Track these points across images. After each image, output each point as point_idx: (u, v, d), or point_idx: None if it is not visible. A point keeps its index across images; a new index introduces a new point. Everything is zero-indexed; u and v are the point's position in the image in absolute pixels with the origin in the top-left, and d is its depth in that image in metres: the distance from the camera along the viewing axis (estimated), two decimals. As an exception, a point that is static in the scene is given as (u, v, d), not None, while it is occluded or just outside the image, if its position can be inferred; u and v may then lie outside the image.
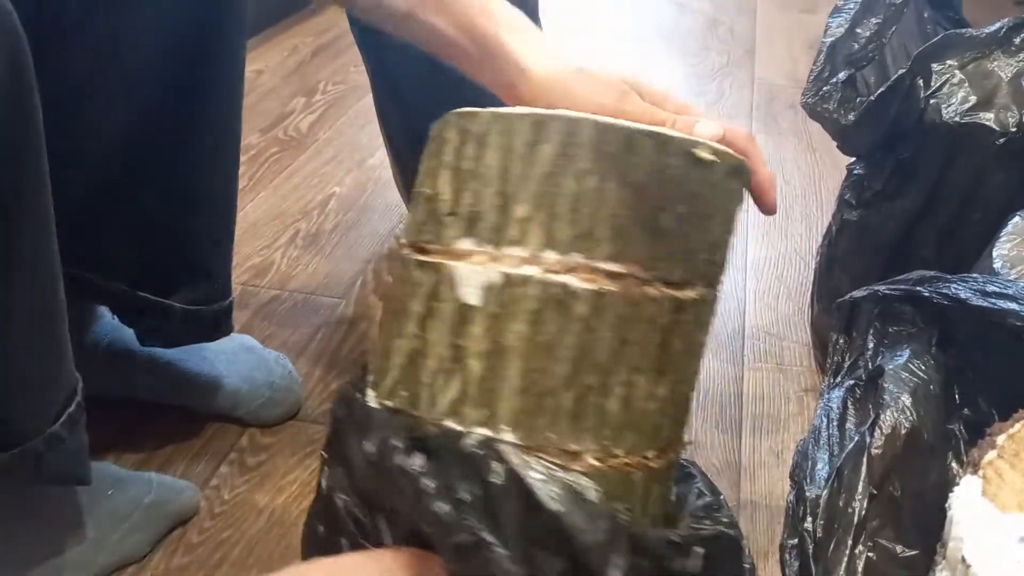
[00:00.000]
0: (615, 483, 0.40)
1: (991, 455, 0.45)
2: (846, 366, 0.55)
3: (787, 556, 0.47)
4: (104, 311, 0.78)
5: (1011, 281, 0.52)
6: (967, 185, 0.74)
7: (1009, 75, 0.73)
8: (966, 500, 0.44)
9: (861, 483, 0.46)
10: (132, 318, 0.74)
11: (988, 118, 0.71)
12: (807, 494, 0.48)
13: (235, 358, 0.81)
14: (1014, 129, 0.71)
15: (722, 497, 0.46)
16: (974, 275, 0.52)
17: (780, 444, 0.81)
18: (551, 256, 0.40)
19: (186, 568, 0.67)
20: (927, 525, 0.46)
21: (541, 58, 0.52)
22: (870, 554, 0.44)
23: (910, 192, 0.77)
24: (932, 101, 0.73)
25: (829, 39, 0.76)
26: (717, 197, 0.43)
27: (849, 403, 0.52)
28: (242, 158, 0.76)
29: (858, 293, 0.55)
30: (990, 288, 0.50)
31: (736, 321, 0.98)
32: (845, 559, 0.45)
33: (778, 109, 1.48)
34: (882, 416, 0.47)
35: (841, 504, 0.46)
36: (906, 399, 0.48)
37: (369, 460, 0.40)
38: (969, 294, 0.50)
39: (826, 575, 0.45)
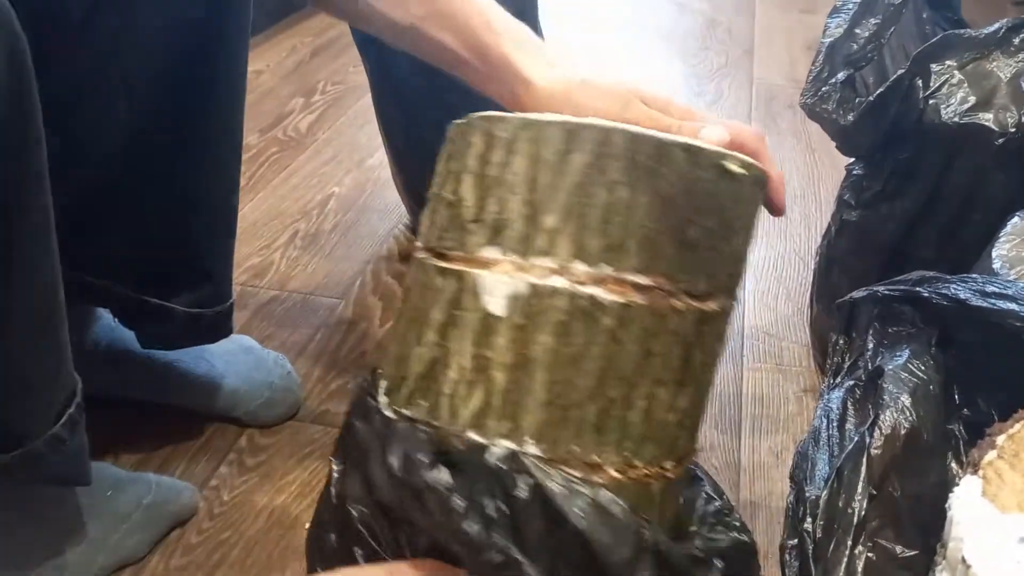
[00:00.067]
0: (634, 494, 0.40)
1: (991, 455, 0.45)
2: (846, 366, 0.55)
3: (787, 556, 0.47)
4: (103, 312, 0.78)
5: (1010, 281, 0.52)
6: (966, 185, 0.74)
7: (1008, 75, 0.73)
8: (966, 500, 0.44)
9: (861, 483, 0.46)
10: (134, 321, 0.74)
11: (987, 118, 0.71)
12: (807, 494, 0.48)
13: (234, 358, 0.81)
14: (1013, 129, 0.71)
15: (725, 497, 0.47)
16: (974, 275, 0.52)
17: (779, 444, 0.81)
18: (580, 267, 0.39)
19: (185, 569, 0.67)
20: (927, 525, 0.46)
21: (545, 70, 0.52)
22: (870, 554, 0.44)
23: (909, 192, 0.77)
24: (931, 101, 0.73)
25: (828, 39, 0.76)
26: (741, 209, 0.43)
27: (849, 403, 0.52)
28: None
29: (858, 294, 0.56)
30: (990, 288, 0.50)
31: (735, 322, 0.98)
32: (845, 559, 0.45)
33: (777, 109, 1.48)
34: (882, 416, 0.47)
35: (841, 504, 0.46)
36: (906, 399, 0.48)
37: (392, 474, 0.39)
38: (969, 294, 0.50)
39: (826, 575, 0.45)
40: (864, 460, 0.46)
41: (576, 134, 0.40)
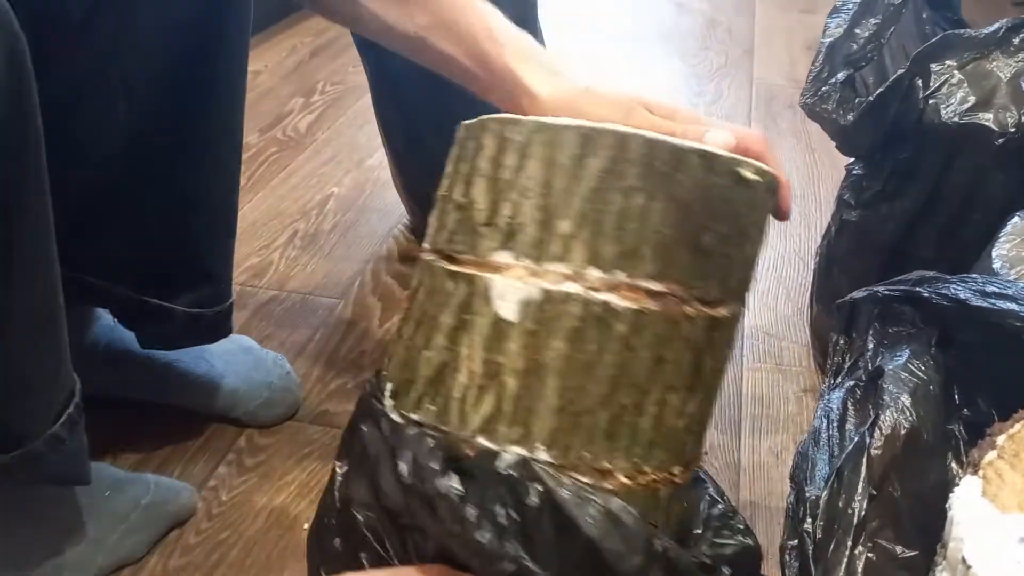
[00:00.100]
0: (643, 499, 0.40)
1: (991, 455, 0.45)
2: (846, 367, 0.55)
3: (787, 557, 0.47)
4: (103, 312, 0.78)
5: (1011, 281, 0.52)
6: (966, 185, 0.74)
7: (1008, 75, 0.73)
8: (966, 500, 0.43)
9: (861, 484, 0.46)
10: (134, 321, 0.74)
11: (987, 118, 0.71)
12: (807, 495, 0.48)
13: (233, 359, 0.81)
14: (1013, 129, 0.71)
15: (726, 498, 0.47)
16: (974, 275, 0.52)
17: (779, 445, 0.81)
18: (594, 274, 0.39)
19: (183, 569, 0.67)
20: (927, 526, 0.45)
21: (548, 80, 0.52)
22: (870, 555, 0.44)
23: (909, 192, 0.77)
24: (931, 101, 0.73)
25: (828, 39, 0.76)
26: (754, 215, 0.43)
27: (849, 404, 0.52)
28: (240, 158, 0.76)
29: (858, 294, 0.55)
30: (990, 288, 0.50)
31: (735, 321, 0.98)
32: (845, 560, 0.44)
33: (777, 109, 1.48)
34: (882, 416, 0.47)
35: (841, 505, 0.46)
36: (906, 399, 0.48)
37: (401, 480, 0.39)
38: (969, 294, 0.50)
39: (826, 575, 0.45)
40: (864, 460, 0.46)
41: (592, 139, 0.40)
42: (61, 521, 0.63)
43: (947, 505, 0.45)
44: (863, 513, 0.45)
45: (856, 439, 0.48)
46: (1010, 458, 0.45)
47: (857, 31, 0.76)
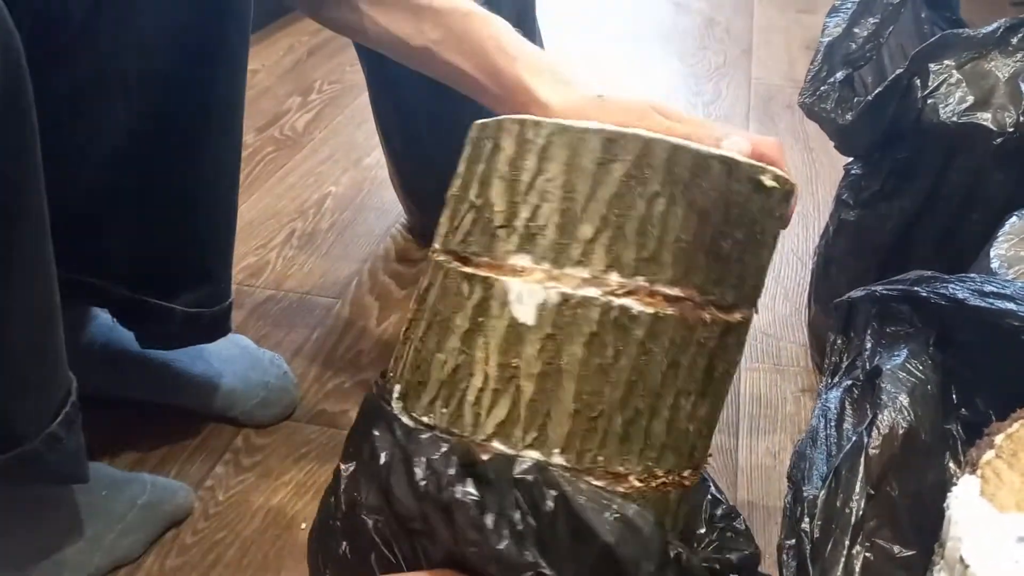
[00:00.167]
0: (654, 502, 0.41)
1: (989, 455, 0.45)
2: (843, 366, 0.55)
3: (784, 556, 0.46)
4: (100, 311, 0.78)
5: (1009, 281, 0.52)
6: (965, 185, 0.73)
7: (1006, 75, 0.73)
8: (964, 500, 0.43)
9: (859, 483, 0.46)
10: (133, 321, 0.74)
11: (985, 118, 0.71)
12: (804, 494, 0.48)
13: (230, 358, 0.81)
14: (1011, 129, 0.71)
15: (724, 496, 0.47)
16: (972, 275, 0.52)
17: (777, 444, 0.81)
18: (614, 278, 0.39)
19: (180, 569, 0.67)
20: (925, 525, 0.45)
21: (560, 90, 0.52)
22: (868, 554, 0.44)
23: (908, 192, 0.76)
24: (929, 101, 0.73)
25: (827, 39, 0.76)
26: (770, 222, 0.43)
27: (847, 403, 0.52)
28: (238, 157, 0.76)
29: (856, 293, 0.55)
30: (988, 288, 0.50)
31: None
32: (843, 559, 0.44)
33: (775, 109, 1.48)
34: (880, 416, 0.47)
35: (839, 504, 0.46)
36: (904, 399, 0.48)
37: (416, 486, 0.39)
38: (967, 294, 0.50)
39: (823, 575, 0.44)
40: (862, 460, 0.46)
41: (616, 143, 0.39)
42: (58, 521, 0.63)
43: (945, 504, 0.45)
44: (861, 513, 0.45)
45: (854, 439, 0.48)
46: (1008, 457, 0.45)
47: (856, 31, 0.76)
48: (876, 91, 0.73)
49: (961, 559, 0.41)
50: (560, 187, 0.40)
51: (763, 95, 1.54)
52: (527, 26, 0.93)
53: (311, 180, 1.23)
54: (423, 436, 0.40)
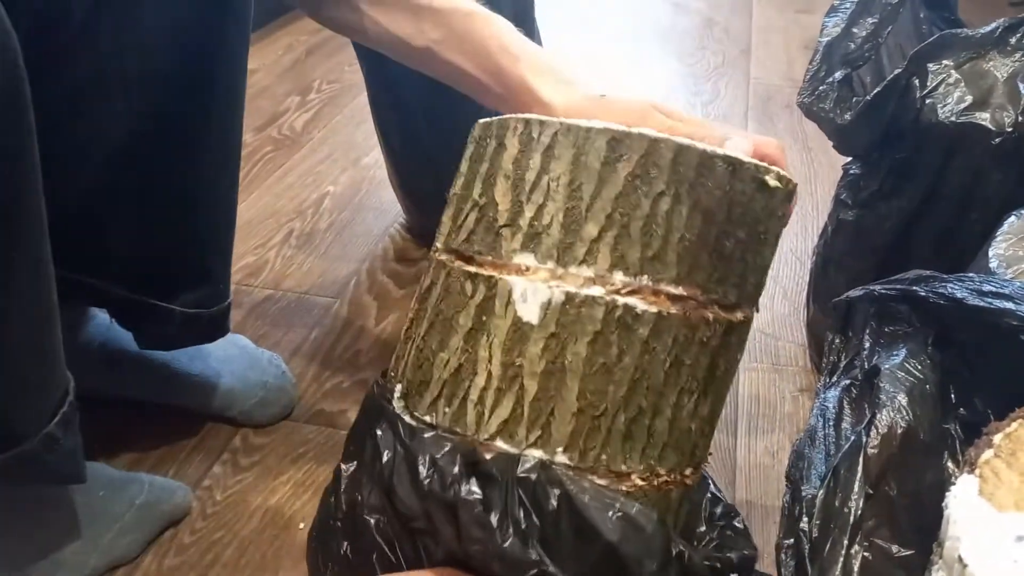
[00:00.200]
0: (656, 501, 0.41)
1: (988, 454, 0.45)
2: (842, 366, 0.55)
3: (783, 556, 0.46)
4: (97, 311, 0.78)
5: (1007, 280, 0.52)
6: (963, 185, 0.73)
7: (1005, 75, 0.73)
8: (963, 499, 0.43)
9: (857, 483, 0.46)
10: (132, 322, 0.73)
11: (984, 118, 0.71)
12: (803, 494, 0.48)
13: (229, 358, 0.81)
14: (1010, 129, 0.71)
15: (722, 494, 0.47)
16: (970, 275, 0.52)
17: (776, 444, 0.81)
18: (619, 277, 0.39)
19: (178, 569, 0.67)
20: (923, 525, 0.45)
21: (563, 90, 0.53)
22: (866, 554, 0.44)
23: (906, 192, 0.76)
24: (928, 101, 0.73)
25: (825, 39, 0.76)
26: (772, 222, 0.43)
27: (845, 403, 0.52)
28: (236, 156, 0.76)
29: (854, 293, 0.55)
30: (986, 288, 0.50)
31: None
32: (841, 559, 0.44)
33: (774, 109, 1.48)
34: (878, 416, 0.47)
35: (837, 504, 0.46)
36: (902, 399, 0.48)
37: (419, 485, 0.39)
38: (965, 293, 0.50)
39: (822, 575, 0.44)
40: (860, 459, 0.46)
41: (622, 143, 0.40)
42: (56, 521, 0.63)
43: (943, 504, 0.45)
44: (859, 512, 0.45)
45: (852, 438, 0.48)
46: (1007, 457, 0.45)
47: (854, 30, 0.76)
48: (875, 91, 0.73)
49: (959, 558, 0.41)
50: (565, 186, 0.40)
51: (762, 95, 1.54)
52: (526, 26, 0.93)
53: (310, 180, 1.23)
54: (426, 435, 0.40)
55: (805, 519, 0.46)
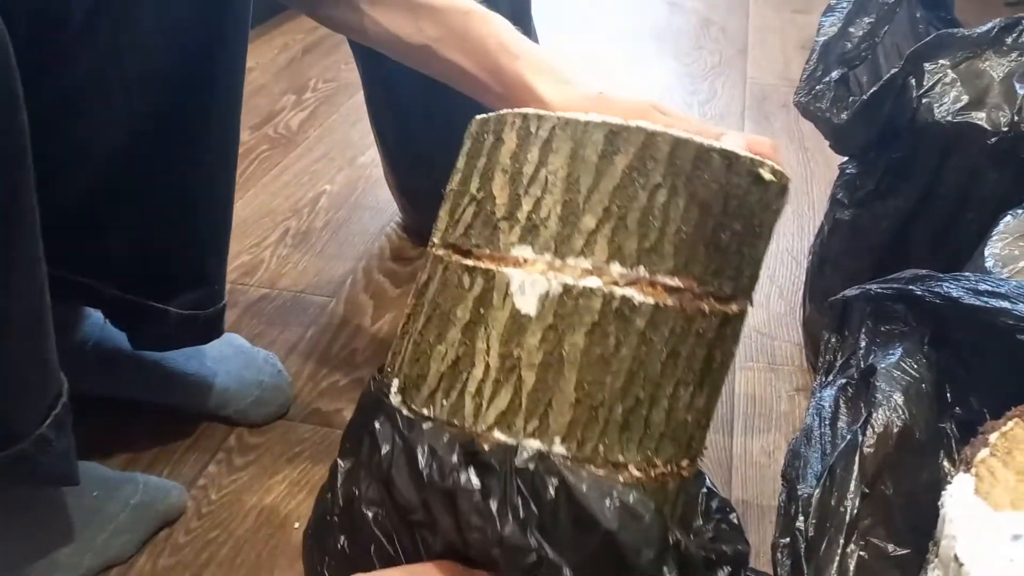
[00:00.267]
0: (652, 492, 0.41)
1: (984, 453, 0.45)
2: (838, 365, 0.55)
3: (779, 555, 0.46)
4: (92, 311, 0.78)
5: (1003, 280, 0.52)
6: (959, 184, 0.74)
7: (1001, 75, 0.73)
8: (959, 498, 0.43)
9: (853, 482, 0.46)
10: (127, 323, 0.73)
11: (980, 117, 0.71)
12: (799, 493, 0.48)
13: (224, 357, 0.81)
14: (1006, 128, 0.71)
15: (718, 490, 0.47)
16: (966, 274, 0.52)
17: (771, 443, 0.81)
18: (616, 269, 0.39)
19: (173, 569, 0.67)
20: (919, 524, 0.45)
21: (562, 89, 0.53)
22: (862, 553, 0.44)
23: (902, 191, 0.76)
24: (924, 100, 0.73)
25: (822, 38, 0.76)
26: (766, 215, 0.43)
27: (841, 402, 0.52)
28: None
29: (850, 292, 0.55)
30: (982, 287, 0.50)
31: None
32: (837, 558, 0.44)
33: (770, 108, 1.48)
34: (874, 415, 0.47)
35: (833, 503, 0.46)
36: (898, 398, 0.48)
37: (418, 475, 0.39)
38: (961, 293, 0.50)
39: (818, 574, 0.44)
40: (856, 458, 0.46)
41: (620, 135, 0.40)
42: (49, 522, 0.63)
43: (940, 503, 0.45)
44: (855, 511, 0.45)
45: (848, 437, 0.48)
46: (1003, 456, 0.45)
47: (851, 30, 0.76)
48: (871, 90, 0.73)
49: (955, 557, 0.41)
50: (563, 179, 0.40)
51: (758, 94, 1.54)
52: (523, 25, 0.92)
53: (306, 178, 1.23)
54: (425, 426, 0.40)
55: (801, 518, 0.46)
